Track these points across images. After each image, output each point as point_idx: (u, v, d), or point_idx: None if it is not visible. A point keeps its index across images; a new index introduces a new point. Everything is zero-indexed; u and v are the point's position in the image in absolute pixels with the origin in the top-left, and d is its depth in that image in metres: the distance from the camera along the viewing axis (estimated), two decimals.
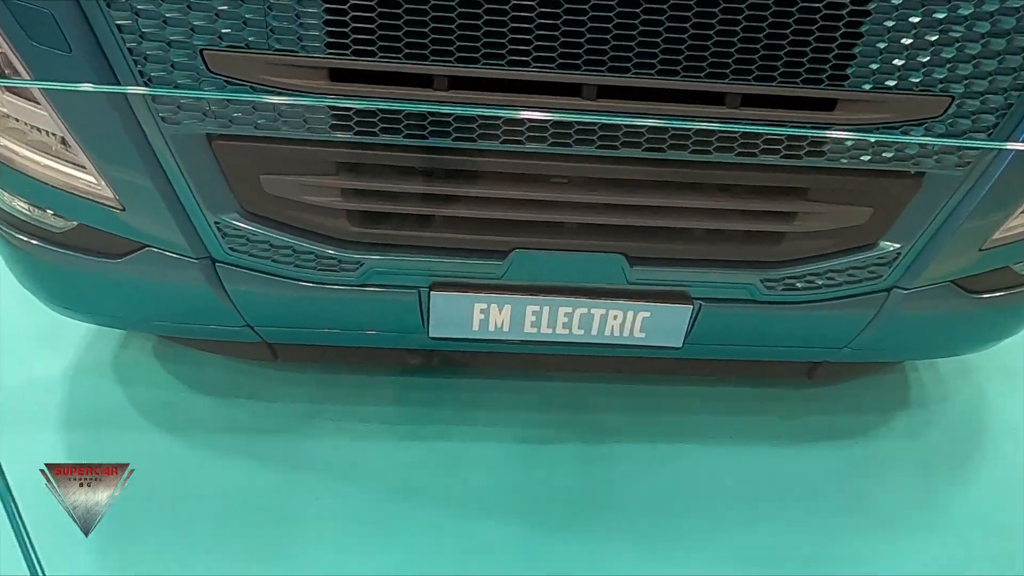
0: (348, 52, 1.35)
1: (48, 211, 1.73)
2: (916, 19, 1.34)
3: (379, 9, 1.30)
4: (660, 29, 1.33)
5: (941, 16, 1.33)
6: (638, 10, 1.30)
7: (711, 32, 1.34)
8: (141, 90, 1.40)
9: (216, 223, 1.64)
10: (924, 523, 2.15)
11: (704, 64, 1.37)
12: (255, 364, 2.34)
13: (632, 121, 1.43)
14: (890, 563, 2.03)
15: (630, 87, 1.40)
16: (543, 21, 1.32)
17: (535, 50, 1.35)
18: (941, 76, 1.41)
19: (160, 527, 1.95)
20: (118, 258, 1.75)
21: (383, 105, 1.40)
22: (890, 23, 1.34)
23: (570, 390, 2.40)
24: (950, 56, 1.39)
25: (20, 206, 1.75)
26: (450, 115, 1.44)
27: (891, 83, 1.41)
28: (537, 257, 1.72)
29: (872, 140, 1.50)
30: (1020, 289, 1.93)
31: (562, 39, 1.34)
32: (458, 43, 1.34)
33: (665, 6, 1.30)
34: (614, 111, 1.42)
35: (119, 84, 1.39)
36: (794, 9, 1.31)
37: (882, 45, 1.36)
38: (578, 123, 1.46)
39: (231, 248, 1.69)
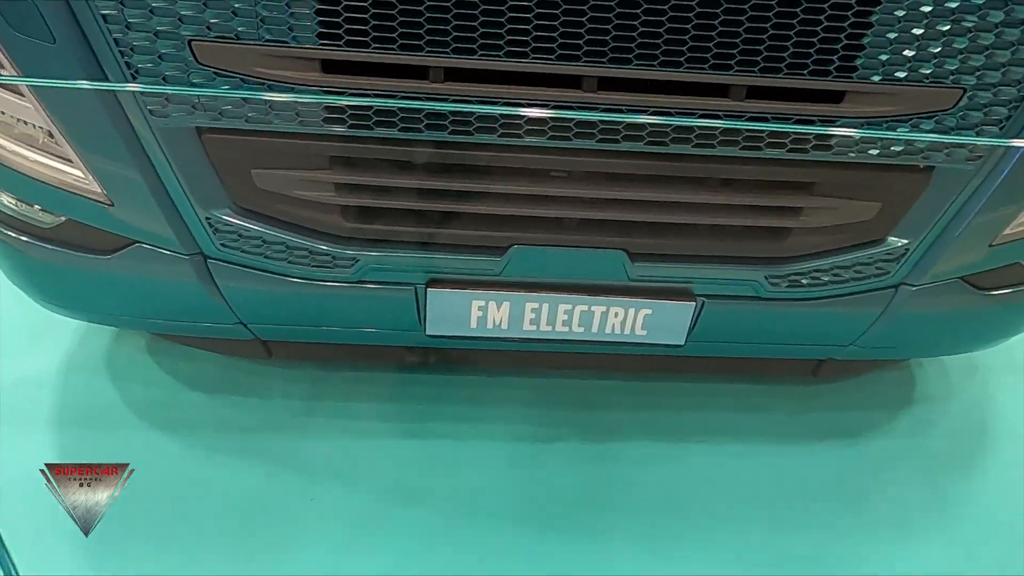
0: (341, 43, 1.31)
1: (35, 206, 1.70)
2: (928, 8, 1.30)
3: None
4: (663, 19, 1.29)
5: (954, 5, 1.30)
6: None
7: (715, 22, 1.30)
8: (135, 87, 1.37)
9: (207, 219, 1.61)
10: (928, 522, 2.13)
11: (708, 55, 1.34)
12: (249, 361, 2.32)
13: (634, 119, 1.40)
14: (893, 563, 2.02)
15: (632, 79, 1.37)
16: (542, 10, 1.28)
17: (534, 40, 1.31)
18: (953, 67, 1.38)
19: (152, 526, 1.94)
20: (108, 254, 1.72)
21: (378, 103, 1.37)
22: (901, 12, 1.30)
23: (569, 388, 2.38)
24: (962, 46, 1.35)
25: (7, 201, 1.72)
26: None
27: (901, 74, 1.38)
28: (536, 253, 1.69)
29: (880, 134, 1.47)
30: None
31: (561, 29, 1.30)
32: (454, 33, 1.30)
33: None
34: (615, 104, 1.39)
35: (105, 76, 1.35)
36: None
37: (893, 35, 1.33)
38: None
39: (223, 244, 1.67)
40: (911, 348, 2.26)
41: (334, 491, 2.05)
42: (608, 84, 1.38)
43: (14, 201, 1.71)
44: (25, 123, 1.54)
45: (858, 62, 1.36)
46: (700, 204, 1.62)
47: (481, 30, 1.30)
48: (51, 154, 1.56)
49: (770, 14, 1.29)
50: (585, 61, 1.34)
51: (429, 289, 1.75)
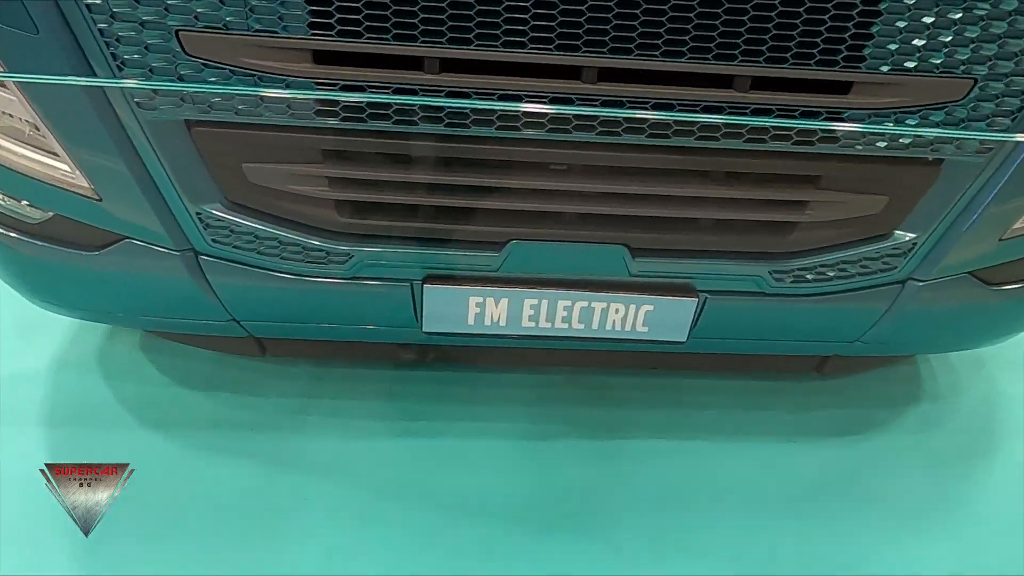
0: (333, 32, 1.28)
1: (23, 201, 1.67)
2: None
3: None
4: (665, 7, 1.26)
5: None
6: None
7: (719, 11, 1.27)
8: (131, 84, 1.33)
9: (198, 214, 1.58)
10: (935, 520, 2.11)
11: (712, 45, 1.30)
12: (244, 358, 2.30)
13: (634, 114, 1.37)
14: (899, 561, 2.00)
15: (633, 69, 1.33)
16: None
17: (531, 30, 1.28)
18: (964, 57, 1.34)
19: (146, 525, 1.91)
20: (97, 250, 1.69)
21: (373, 98, 1.34)
22: (911, 0, 1.26)
23: (569, 385, 2.36)
24: (974, 35, 1.31)
25: None
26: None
27: (911, 64, 1.34)
28: (535, 248, 1.66)
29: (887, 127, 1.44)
30: None
31: (560, 18, 1.27)
32: (449, 22, 1.27)
33: None
34: (616, 95, 1.36)
35: (91, 68, 1.32)
36: None
37: (902, 24, 1.29)
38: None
39: (214, 240, 1.63)
40: (918, 344, 2.23)
41: (330, 489, 2.03)
42: (609, 75, 1.35)
43: (1, 196, 1.68)
44: (10, 116, 1.50)
45: (866, 51, 1.32)
46: (703, 198, 1.59)
47: (477, 19, 1.26)
48: (37, 148, 1.53)
49: (775, 2, 1.26)
50: (585, 51, 1.31)
51: (425, 285, 1.72)
